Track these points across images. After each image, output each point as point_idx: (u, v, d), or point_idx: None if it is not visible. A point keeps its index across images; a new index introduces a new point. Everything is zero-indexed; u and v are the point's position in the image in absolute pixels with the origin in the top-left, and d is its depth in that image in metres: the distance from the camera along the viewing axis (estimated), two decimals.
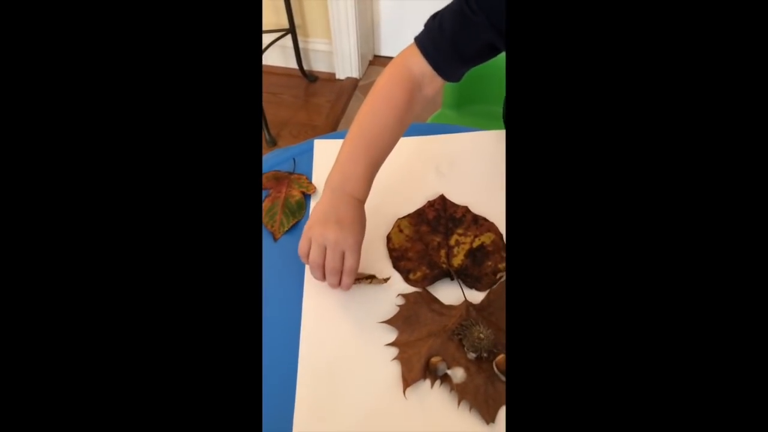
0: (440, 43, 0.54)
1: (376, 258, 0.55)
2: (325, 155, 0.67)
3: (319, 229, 0.49)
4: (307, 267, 0.54)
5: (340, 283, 0.49)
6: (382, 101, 0.55)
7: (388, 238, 0.56)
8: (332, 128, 1.65)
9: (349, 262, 0.48)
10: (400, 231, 0.57)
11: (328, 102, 1.75)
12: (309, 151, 0.68)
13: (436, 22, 0.55)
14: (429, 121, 1.16)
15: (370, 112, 0.55)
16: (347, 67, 1.80)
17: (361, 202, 0.52)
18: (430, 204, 0.60)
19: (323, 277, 0.49)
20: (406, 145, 0.68)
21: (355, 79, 1.83)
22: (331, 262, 0.48)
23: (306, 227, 0.50)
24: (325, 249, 0.48)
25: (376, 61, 1.91)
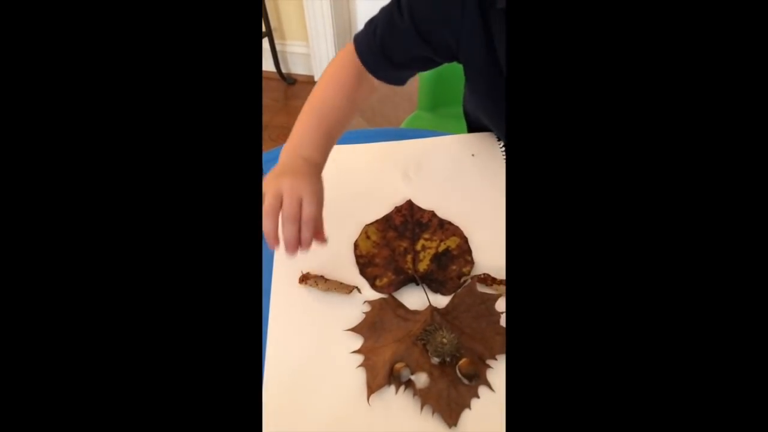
0: (373, 47, 0.55)
1: (343, 265, 0.55)
2: None
3: (272, 181, 0.46)
4: (274, 273, 0.55)
5: (300, 243, 0.44)
6: (331, 81, 0.57)
7: (356, 245, 0.57)
8: None
9: (307, 209, 0.44)
10: (368, 237, 0.58)
11: None
12: (275, 160, 0.68)
13: (372, 26, 0.56)
14: (404, 123, 1.16)
15: (319, 93, 0.56)
16: None
17: (317, 165, 0.50)
18: (398, 210, 0.60)
19: (275, 229, 0.44)
20: (374, 150, 0.69)
21: None
22: (288, 208, 0.44)
23: (263, 184, 0.47)
24: (282, 197, 0.44)
25: None
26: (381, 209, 0.61)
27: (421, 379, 0.45)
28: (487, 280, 0.52)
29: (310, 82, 1.85)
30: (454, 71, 1.13)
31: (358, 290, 0.52)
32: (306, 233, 0.45)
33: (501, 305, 0.50)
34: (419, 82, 1.13)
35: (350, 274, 0.55)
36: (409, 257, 0.55)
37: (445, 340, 0.46)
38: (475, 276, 0.52)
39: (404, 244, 0.57)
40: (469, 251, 0.55)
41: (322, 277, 0.52)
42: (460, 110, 1.17)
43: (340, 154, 0.68)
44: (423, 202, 0.61)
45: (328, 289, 0.52)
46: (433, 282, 0.53)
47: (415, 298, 0.52)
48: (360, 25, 2.06)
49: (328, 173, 0.66)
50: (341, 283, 0.52)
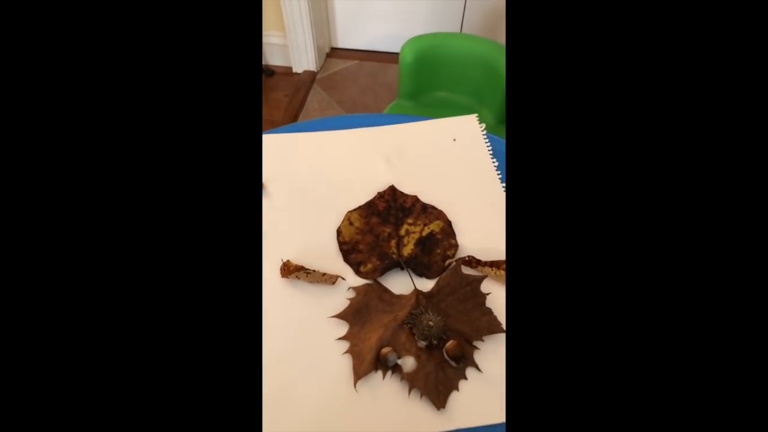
0: None
1: (326, 253, 0.54)
2: (275, 150, 0.66)
3: None
4: None
5: None
6: None
7: (338, 232, 0.56)
8: (291, 122, 1.62)
9: None
10: (351, 224, 0.57)
11: (287, 96, 1.72)
12: None
13: None
14: (386, 111, 1.15)
15: None
16: (304, 60, 1.78)
17: None
18: (380, 195, 0.60)
19: None
20: (356, 137, 0.68)
21: (313, 72, 1.80)
22: None
23: None
24: None
25: (334, 53, 1.88)
26: (363, 195, 0.60)
27: (408, 363, 0.45)
28: (471, 262, 0.51)
29: (288, 73, 1.82)
30: (432, 59, 1.12)
31: (342, 278, 0.52)
32: None
33: (486, 287, 0.50)
34: (399, 69, 1.12)
35: (334, 261, 0.54)
36: (393, 242, 0.55)
37: (431, 323, 0.46)
38: (459, 258, 0.52)
39: (388, 229, 0.56)
40: (452, 234, 0.55)
41: (303, 269, 0.51)
42: (440, 97, 1.16)
43: (322, 141, 0.67)
44: (406, 187, 0.60)
45: (311, 281, 0.51)
46: (418, 266, 0.52)
47: (400, 283, 0.51)
48: (338, 15, 2.03)
49: (309, 161, 0.65)
50: (324, 274, 0.51)
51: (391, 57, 1.85)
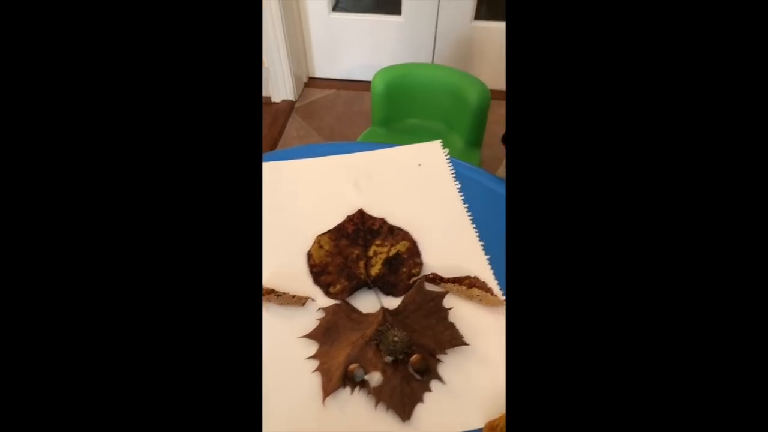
0: None
1: (297, 275, 0.57)
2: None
3: None
4: None
5: None
6: None
7: (309, 255, 0.58)
8: (270, 150, 1.65)
9: None
10: (321, 247, 0.59)
11: (265, 125, 1.76)
12: None
13: None
14: (360, 138, 1.20)
15: None
16: (282, 90, 1.83)
17: None
18: (350, 219, 0.62)
19: None
20: (326, 164, 0.71)
21: (291, 101, 1.85)
22: None
23: None
24: None
25: (312, 83, 1.94)
26: (334, 219, 0.62)
27: (375, 377, 0.47)
28: (435, 279, 0.54)
29: (267, 102, 1.86)
30: (402, 88, 1.18)
31: (312, 299, 0.54)
32: None
33: (448, 302, 0.52)
34: (372, 99, 1.17)
35: (304, 283, 0.56)
36: (361, 263, 0.57)
37: (396, 339, 0.48)
38: (423, 276, 0.55)
39: (356, 251, 0.59)
40: (418, 253, 0.58)
41: (273, 291, 0.53)
42: (412, 123, 1.21)
43: (295, 169, 0.70)
44: (374, 211, 0.63)
45: (282, 303, 0.53)
46: (385, 285, 0.55)
47: (368, 302, 0.54)
48: (315, 46, 2.07)
49: (282, 188, 0.67)
50: (294, 296, 0.53)
51: (367, 85, 1.91)
